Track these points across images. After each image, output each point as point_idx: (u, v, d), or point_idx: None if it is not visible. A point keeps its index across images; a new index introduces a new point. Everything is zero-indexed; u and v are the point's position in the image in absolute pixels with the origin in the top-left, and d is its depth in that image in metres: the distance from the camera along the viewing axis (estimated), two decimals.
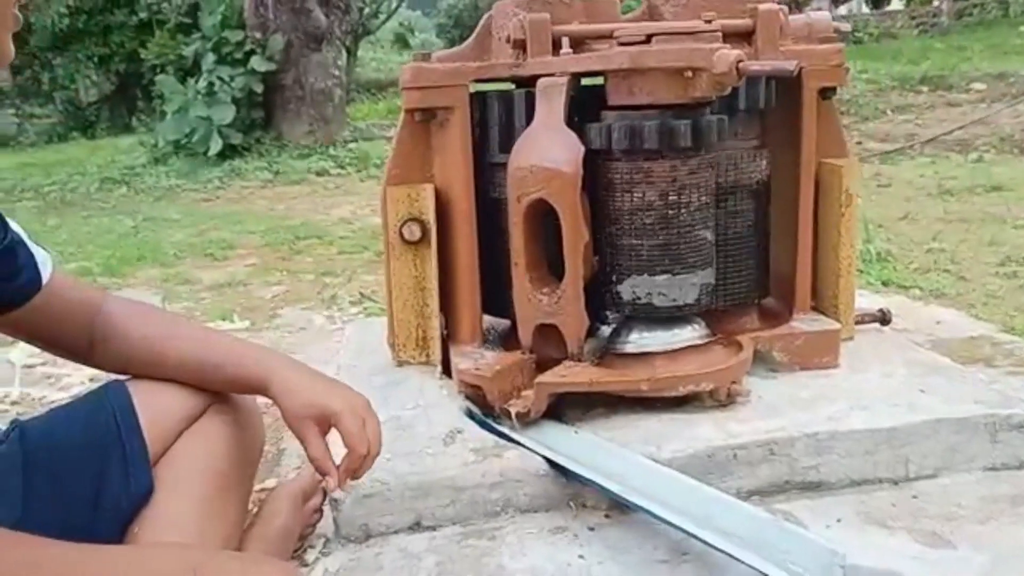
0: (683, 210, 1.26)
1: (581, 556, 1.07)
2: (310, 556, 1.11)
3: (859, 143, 4.93)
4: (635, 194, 1.25)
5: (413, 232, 1.40)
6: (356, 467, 0.99)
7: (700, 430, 1.22)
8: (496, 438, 1.24)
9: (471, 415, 1.31)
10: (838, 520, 1.13)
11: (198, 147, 5.30)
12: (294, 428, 0.99)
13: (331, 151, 5.47)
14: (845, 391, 1.32)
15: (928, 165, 4.18)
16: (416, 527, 1.15)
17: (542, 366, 1.33)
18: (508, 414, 1.27)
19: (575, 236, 1.26)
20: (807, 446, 1.19)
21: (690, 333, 1.32)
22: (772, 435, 1.19)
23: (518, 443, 1.21)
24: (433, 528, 1.15)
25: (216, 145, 5.22)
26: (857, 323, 1.56)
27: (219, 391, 1.03)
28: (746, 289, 1.42)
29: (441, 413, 1.32)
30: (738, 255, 1.40)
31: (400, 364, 1.49)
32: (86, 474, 0.92)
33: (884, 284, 2.36)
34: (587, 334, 1.38)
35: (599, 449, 1.20)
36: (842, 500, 1.18)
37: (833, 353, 1.42)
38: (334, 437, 0.97)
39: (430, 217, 1.40)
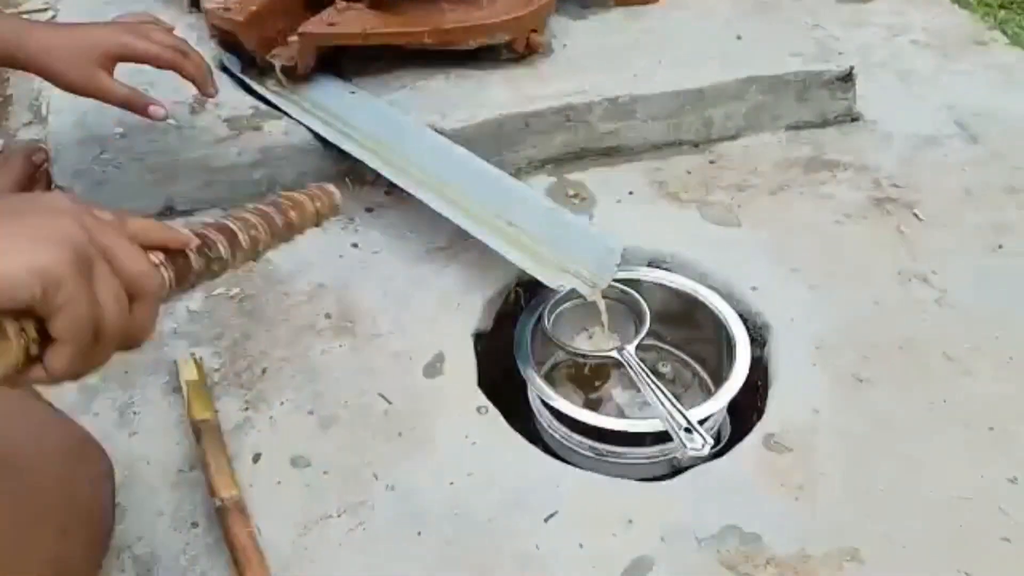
0: None
1: (355, 245, 0.98)
2: None
3: None
4: None
5: None
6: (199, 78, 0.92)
7: (492, 92, 1.08)
8: (255, 101, 1.06)
9: (225, 69, 1.10)
10: (630, 193, 1.07)
11: None
12: (79, 87, 0.85)
13: None
14: (657, 39, 1.18)
15: None
16: (169, 212, 1.01)
17: (314, 5, 1.11)
18: (272, 67, 1.08)
19: None
20: (607, 111, 1.09)
21: None
22: (570, 100, 1.07)
23: (281, 111, 1.04)
24: (189, 212, 1.01)
25: None
26: None
27: None
28: None
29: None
30: None
31: None
32: None
33: None
34: None
35: (377, 115, 1.05)
36: (638, 167, 1.11)
37: None
38: None
39: None
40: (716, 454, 0.79)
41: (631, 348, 0.86)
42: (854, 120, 1.20)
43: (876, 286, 0.95)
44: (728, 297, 0.93)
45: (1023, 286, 0.95)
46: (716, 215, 1.04)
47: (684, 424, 0.78)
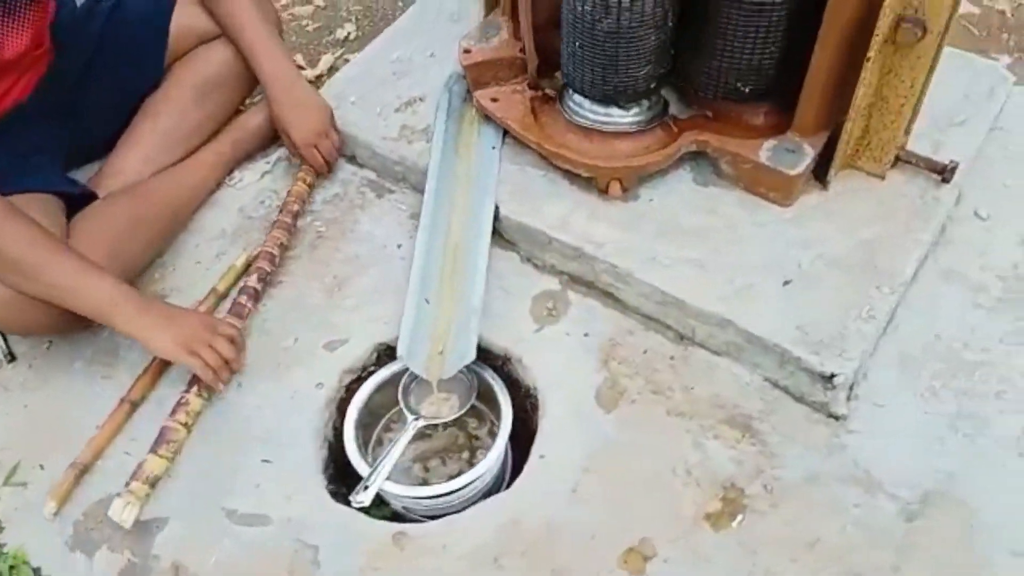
0: None
1: (399, 245, 1.42)
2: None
3: None
4: None
5: None
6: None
7: (551, 207, 1.35)
8: (432, 124, 1.48)
9: (447, 88, 1.53)
10: (585, 335, 1.29)
11: None
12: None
13: None
14: (728, 239, 1.28)
15: None
16: (352, 160, 1.55)
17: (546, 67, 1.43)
18: (471, 100, 1.49)
19: None
20: (608, 271, 1.29)
21: (619, 119, 1.32)
22: (583, 247, 1.29)
23: (434, 137, 1.46)
24: (361, 165, 1.54)
25: None
26: (903, 159, 1.32)
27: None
28: (726, 80, 1.27)
29: (437, 69, 1.55)
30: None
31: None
32: (132, 53, 1.46)
33: None
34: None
35: (481, 178, 1.40)
36: (620, 321, 1.30)
37: (786, 193, 1.30)
38: None
39: None
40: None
41: (418, 423, 1.21)
42: (831, 416, 1.19)
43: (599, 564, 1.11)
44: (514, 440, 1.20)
45: None
46: (606, 399, 1.23)
47: (368, 483, 1.15)
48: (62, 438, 1.24)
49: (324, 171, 1.50)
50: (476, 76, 1.47)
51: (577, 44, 1.24)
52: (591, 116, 1.33)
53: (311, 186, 1.49)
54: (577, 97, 1.34)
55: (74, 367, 1.32)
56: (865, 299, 1.21)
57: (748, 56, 1.22)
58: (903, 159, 1.32)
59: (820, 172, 1.32)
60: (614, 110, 1.32)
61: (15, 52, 1.26)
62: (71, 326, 1.25)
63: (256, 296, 1.34)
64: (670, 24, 1.20)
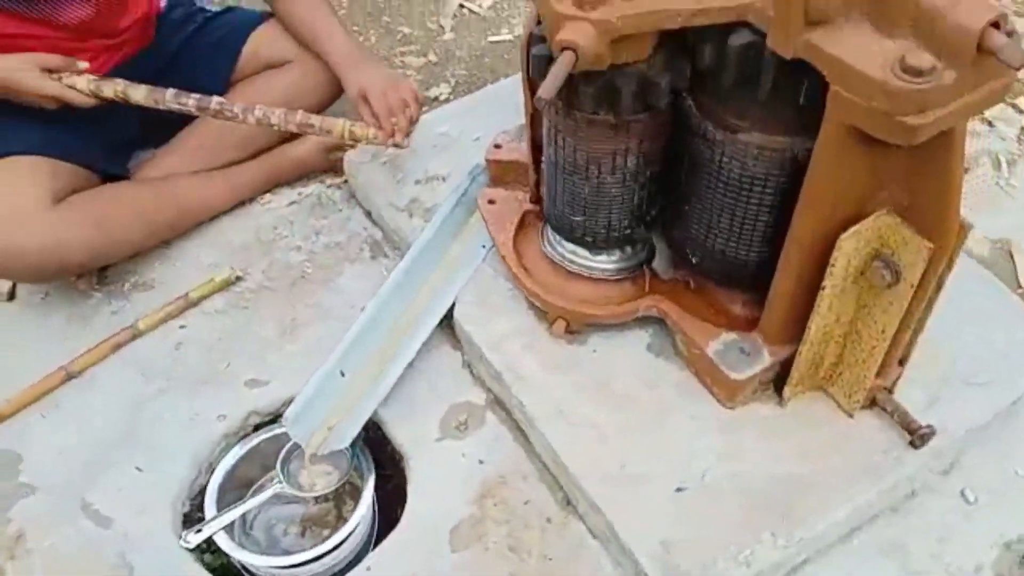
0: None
1: (362, 309, 1.43)
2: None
3: None
4: None
5: None
6: (390, 130, 1.44)
7: (498, 323, 1.30)
8: (444, 202, 1.48)
9: (470, 176, 1.52)
10: (480, 462, 1.24)
11: None
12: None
13: None
14: (642, 417, 1.19)
15: None
16: (368, 215, 1.58)
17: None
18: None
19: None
20: (518, 408, 1.23)
21: (583, 260, 1.25)
22: (503, 374, 1.24)
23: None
24: (374, 223, 1.57)
25: None
26: (878, 404, 1.16)
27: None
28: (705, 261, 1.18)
29: (475, 154, 1.53)
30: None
31: None
32: (201, 69, 1.59)
33: None
34: None
35: (454, 273, 1.38)
36: (520, 464, 1.24)
37: (728, 395, 1.18)
38: None
39: None
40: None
41: (280, 488, 1.23)
42: None
43: None
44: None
45: None
46: (461, 537, 1.17)
47: (199, 529, 1.18)
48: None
49: (388, 123, 1.43)
50: (497, 173, 1.45)
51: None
52: (558, 247, 1.28)
53: (354, 137, 1.45)
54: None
55: (49, 322, 1.45)
56: (752, 541, 1.08)
57: (695, 230, 1.13)
58: (879, 403, 1.16)
59: (782, 386, 1.19)
60: (581, 249, 1.26)
61: (73, 19, 1.38)
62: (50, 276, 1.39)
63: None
64: (613, 191, 1.12)
